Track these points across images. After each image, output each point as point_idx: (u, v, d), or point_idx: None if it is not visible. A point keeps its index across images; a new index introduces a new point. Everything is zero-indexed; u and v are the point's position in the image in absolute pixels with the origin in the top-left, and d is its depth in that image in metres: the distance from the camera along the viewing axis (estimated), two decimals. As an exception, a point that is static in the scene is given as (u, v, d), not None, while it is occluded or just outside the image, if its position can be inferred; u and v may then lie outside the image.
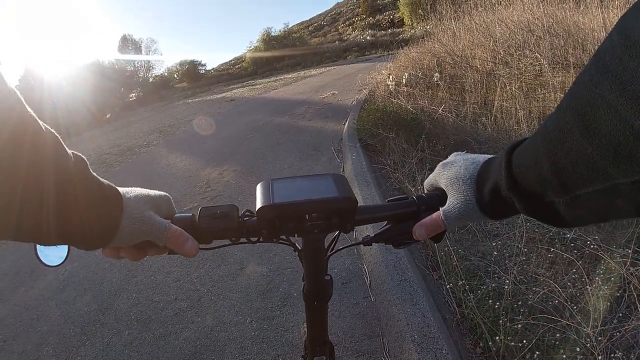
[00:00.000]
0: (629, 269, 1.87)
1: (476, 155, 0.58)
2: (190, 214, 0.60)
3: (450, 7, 7.35)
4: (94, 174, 0.46)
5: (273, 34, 38.68)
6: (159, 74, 36.60)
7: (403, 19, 36.85)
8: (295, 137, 6.10)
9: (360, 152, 4.36)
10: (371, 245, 0.67)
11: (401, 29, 34.69)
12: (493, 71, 4.80)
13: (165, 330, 2.32)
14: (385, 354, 1.87)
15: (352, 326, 2.08)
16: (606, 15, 4.50)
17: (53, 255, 0.60)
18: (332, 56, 31.23)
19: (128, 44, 36.88)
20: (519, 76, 4.42)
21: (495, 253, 2.26)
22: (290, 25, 45.38)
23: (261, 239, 0.61)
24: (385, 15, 43.92)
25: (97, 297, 2.80)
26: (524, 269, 2.11)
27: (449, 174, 0.57)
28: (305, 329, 0.88)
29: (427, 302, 1.98)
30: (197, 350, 2.13)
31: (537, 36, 4.72)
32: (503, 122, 4.06)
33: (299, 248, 0.66)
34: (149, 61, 33.33)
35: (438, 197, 0.61)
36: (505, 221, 2.57)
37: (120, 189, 0.50)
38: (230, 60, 50.34)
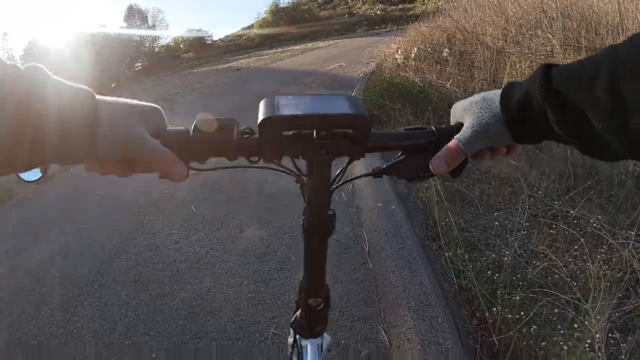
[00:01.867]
0: (632, 252, 1.85)
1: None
2: (184, 128, 0.53)
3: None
4: (58, 78, 0.40)
5: (281, 6, 37.82)
6: (165, 44, 35.95)
7: (414, -5, 36.16)
8: None
9: (364, 123, 4.27)
10: (381, 177, 0.62)
11: (412, 5, 33.95)
12: (504, 49, 4.70)
13: (163, 291, 2.32)
14: (381, 320, 1.87)
15: (349, 291, 2.08)
16: (621, 0, 4.40)
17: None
18: (341, 29, 30.51)
19: (134, 13, 35.77)
20: (530, 55, 4.34)
21: (496, 224, 2.24)
22: (299, -1, 44.36)
23: (261, 160, 0.55)
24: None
25: (97, 259, 2.79)
26: (524, 243, 2.09)
27: (465, 103, 0.54)
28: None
29: (426, 270, 1.98)
30: (193, 311, 2.13)
31: (550, 17, 4.61)
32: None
33: (303, 173, 0.60)
34: (154, 28, 32.73)
35: (457, 128, 0.56)
36: (508, 196, 2.55)
37: (98, 96, 0.44)
38: (238, 31, 49.45)
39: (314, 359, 0.95)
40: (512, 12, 5.24)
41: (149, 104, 0.50)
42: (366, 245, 2.40)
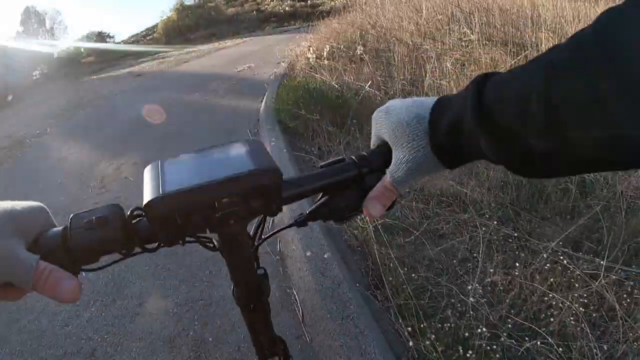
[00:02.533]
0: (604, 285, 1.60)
1: (420, 97, 0.49)
2: (61, 228, 0.42)
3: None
4: None
5: (187, 3, 36.51)
6: (65, 48, 33.30)
7: (323, -9, 36.48)
8: (207, 117, 5.47)
9: (280, 137, 3.80)
10: (306, 225, 0.54)
11: (321, 0, 34.28)
12: (421, 45, 4.47)
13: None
14: None
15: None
16: None
17: None
18: (249, 27, 29.95)
19: (31, 16, 34.29)
20: (450, 52, 4.14)
21: (443, 256, 1.91)
22: (205, -5, 42.97)
23: (162, 245, 0.45)
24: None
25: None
26: (481, 279, 1.73)
27: (392, 119, 0.48)
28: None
29: (378, 346, 1.51)
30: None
31: (466, 12, 4.50)
32: (434, 99, 3.75)
33: (216, 246, 0.51)
34: (53, 34, 30.13)
35: (383, 153, 0.51)
36: (452, 221, 2.18)
37: None
38: (142, 32, 46.86)
39: None
40: (427, 5, 5.09)
41: (30, 203, 0.43)
42: (299, 311, 1.89)
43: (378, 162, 0.51)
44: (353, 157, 0.52)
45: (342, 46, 5.75)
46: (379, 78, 4.24)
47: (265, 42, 15.18)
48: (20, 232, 0.39)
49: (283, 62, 7.80)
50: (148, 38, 39.30)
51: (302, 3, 34.60)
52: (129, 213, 0.44)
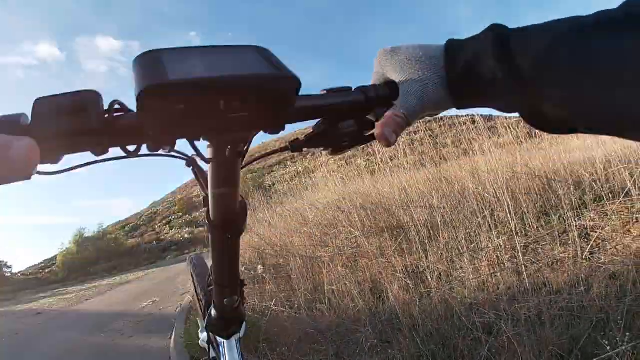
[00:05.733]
0: None
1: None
2: (21, 113, 0.35)
3: (262, 198, 7.63)
4: None
5: (87, 235, 35.62)
6: None
7: (218, 214, 38.39)
8: None
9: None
10: (301, 151, 0.50)
11: (219, 223, 35.82)
12: (314, 253, 4.78)
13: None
14: None
15: None
16: (392, 178, 5.17)
17: None
18: (150, 257, 29.94)
19: None
20: (340, 253, 4.46)
21: None
22: (105, 226, 42.53)
23: (146, 148, 0.39)
24: (201, 213, 44.95)
25: None
26: None
27: (400, 57, 0.47)
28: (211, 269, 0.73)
29: None
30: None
31: (346, 212, 5.00)
32: (338, 302, 3.87)
33: (206, 157, 0.46)
34: None
35: (389, 86, 0.49)
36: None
37: None
38: (40, 263, 44.11)
39: (233, 358, 0.90)
40: (311, 216, 5.56)
41: None
42: None
43: (385, 93, 0.49)
44: (358, 87, 0.50)
45: (243, 267, 5.92)
46: (282, 294, 4.35)
47: (167, 273, 15.10)
48: None
49: (187, 293, 7.75)
50: (47, 270, 36.94)
51: (200, 228, 35.83)
52: (108, 104, 0.38)
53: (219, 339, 0.92)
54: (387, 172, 5.46)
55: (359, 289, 3.77)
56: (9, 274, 34.86)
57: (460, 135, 4.80)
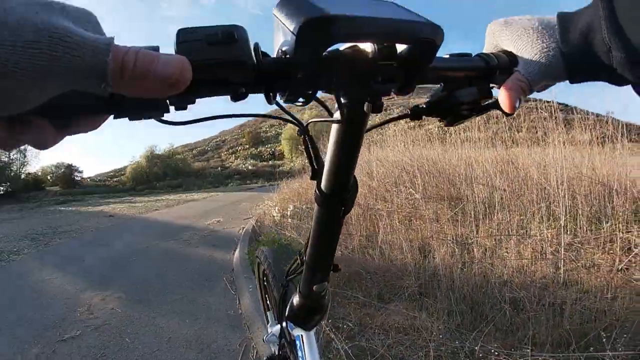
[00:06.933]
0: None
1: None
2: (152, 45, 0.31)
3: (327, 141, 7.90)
4: None
5: (157, 152, 38.15)
6: (33, 172, 32.92)
7: (284, 153, 39.21)
8: (184, 265, 5.66)
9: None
10: (421, 119, 0.49)
11: (281, 162, 36.70)
12: (374, 206, 5.09)
13: None
14: None
15: None
16: (461, 151, 5.28)
17: None
18: (214, 182, 31.25)
19: None
20: (398, 210, 4.74)
21: None
22: (175, 146, 45.20)
23: (293, 92, 0.36)
24: (267, 148, 46.47)
25: None
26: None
27: (515, 28, 0.47)
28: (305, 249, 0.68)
29: None
30: None
31: (410, 174, 5.22)
32: (389, 252, 4.21)
33: (335, 119, 0.46)
34: (25, 155, 29.56)
35: (507, 55, 0.48)
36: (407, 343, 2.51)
37: None
38: (109, 172, 47.45)
39: (312, 354, 0.83)
40: (376, 172, 5.83)
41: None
42: None
43: (504, 61, 0.47)
44: (479, 53, 0.49)
45: (304, 206, 6.36)
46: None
47: (231, 199, 15.82)
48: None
49: (250, 219, 8.27)
50: (114, 179, 39.78)
51: (263, 163, 37.01)
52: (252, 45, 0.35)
53: (295, 333, 0.87)
54: (458, 144, 5.56)
55: (409, 244, 4.10)
56: (79, 178, 37.79)
57: (536, 122, 4.74)
